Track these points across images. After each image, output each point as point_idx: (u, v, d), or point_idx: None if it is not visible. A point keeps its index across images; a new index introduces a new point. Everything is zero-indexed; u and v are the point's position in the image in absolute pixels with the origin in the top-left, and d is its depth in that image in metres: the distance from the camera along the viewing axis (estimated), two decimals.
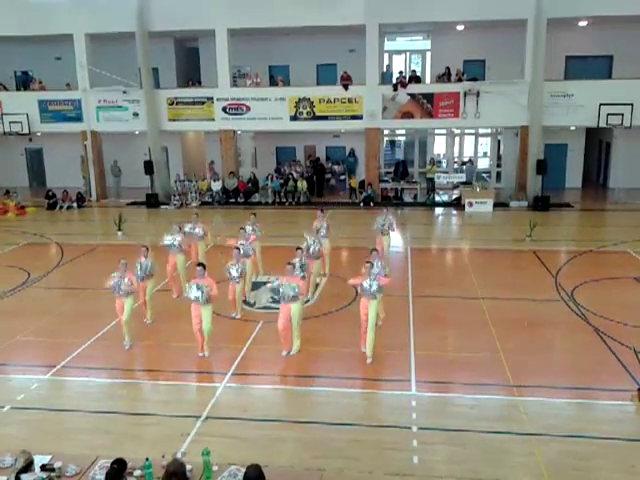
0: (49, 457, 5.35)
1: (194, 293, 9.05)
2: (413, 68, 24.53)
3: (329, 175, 25.38)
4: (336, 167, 25.33)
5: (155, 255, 11.29)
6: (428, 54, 25.77)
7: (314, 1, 20.75)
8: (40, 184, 26.84)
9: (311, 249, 11.63)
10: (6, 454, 5.35)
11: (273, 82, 23.25)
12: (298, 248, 10.74)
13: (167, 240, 11.82)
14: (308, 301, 11.42)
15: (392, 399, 8.06)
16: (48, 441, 6.94)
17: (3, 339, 10.07)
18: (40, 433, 7.24)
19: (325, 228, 12.72)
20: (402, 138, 28.30)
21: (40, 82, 24.16)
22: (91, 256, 15.50)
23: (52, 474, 5.08)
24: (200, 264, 9.66)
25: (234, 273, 10.48)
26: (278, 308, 9.40)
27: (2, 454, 5.39)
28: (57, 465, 5.16)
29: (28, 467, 5.07)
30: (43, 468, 5.14)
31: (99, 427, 7.41)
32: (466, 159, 25.61)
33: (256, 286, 12.12)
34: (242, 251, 10.94)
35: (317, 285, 12.54)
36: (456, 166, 25.79)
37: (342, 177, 25.35)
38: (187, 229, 12.63)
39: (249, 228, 12.41)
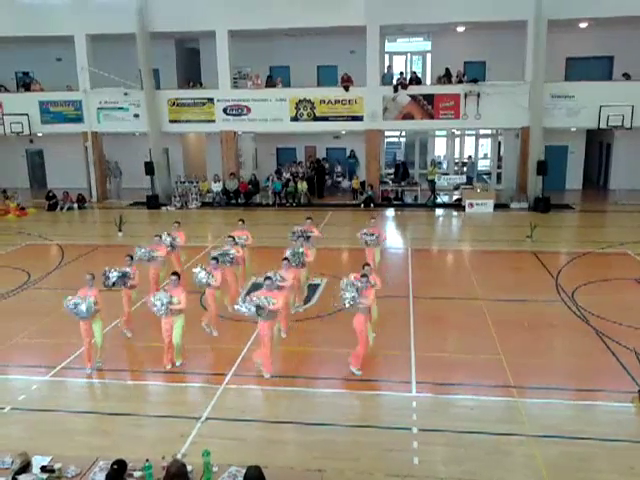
0: (49, 458, 5.36)
1: (156, 304, 8.61)
2: (414, 69, 24.55)
3: (328, 177, 25.31)
4: (340, 179, 25.15)
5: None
6: (429, 55, 25.83)
7: (315, 2, 20.78)
8: (41, 185, 26.86)
9: (293, 257, 10.77)
10: (6, 454, 5.36)
11: (271, 83, 23.17)
12: (285, 259, 10.31)
13: (142, 255, 11.19)
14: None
15: (392, 400, 8.06)
16: (48, 442, 6.94)
17: (4, 340, 10.08)
18: (40, 434, 7.24)
19: (311, 235, 12.20)
20: (401, 140, 28.29)
21: (39, 84, 24.16)
22: (92, 257, 15.51)
23: (52, 475, 5.09)
24: (174, 273, 9.23)
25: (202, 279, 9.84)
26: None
27: (2, 454, 5.39)
28: (57, 466, 5.17)
29: (25, 469, 5.07)
30: (43, 469, 5.14)
31: (99, 428, 7.43)
32: (466, 160, 25.61)
33: (255, 287, 12.04)
34: (219, 261, 10.41)
35: (316, 286, 12.57)
36: (456, 168, 25.82)
37: (339, 179, 25.29)
38: (167, 241, 11.95)
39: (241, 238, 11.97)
